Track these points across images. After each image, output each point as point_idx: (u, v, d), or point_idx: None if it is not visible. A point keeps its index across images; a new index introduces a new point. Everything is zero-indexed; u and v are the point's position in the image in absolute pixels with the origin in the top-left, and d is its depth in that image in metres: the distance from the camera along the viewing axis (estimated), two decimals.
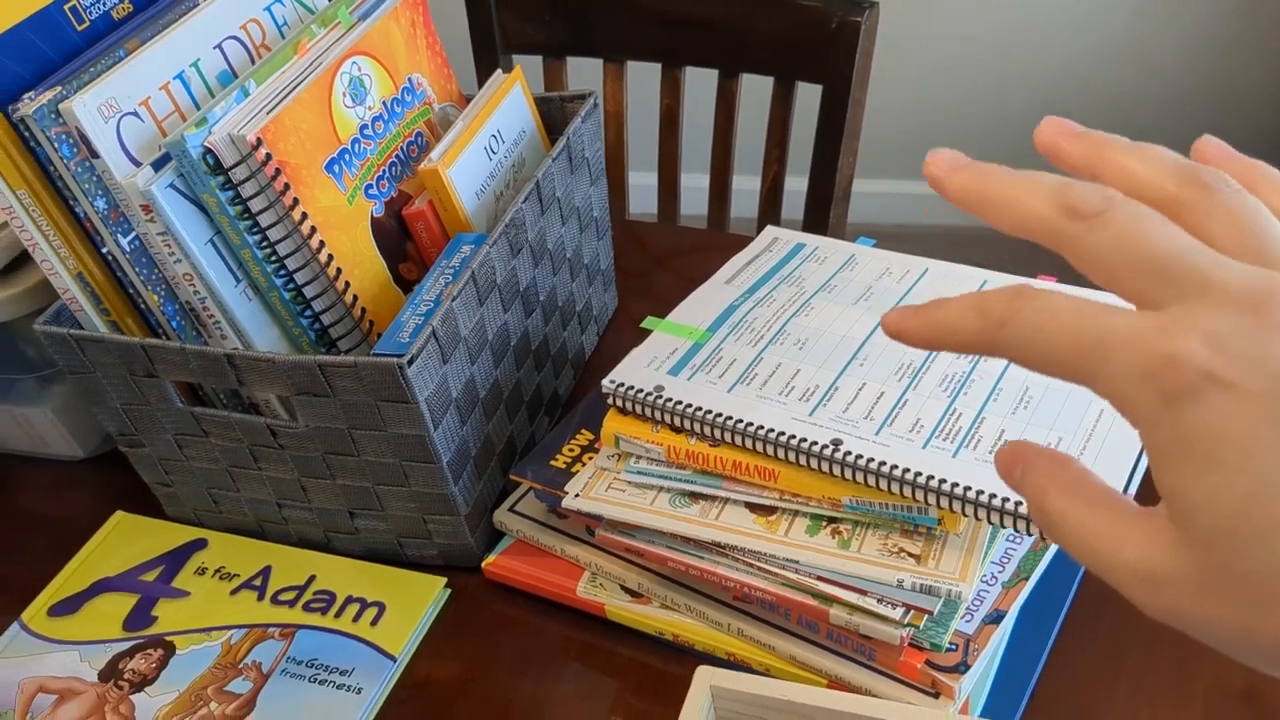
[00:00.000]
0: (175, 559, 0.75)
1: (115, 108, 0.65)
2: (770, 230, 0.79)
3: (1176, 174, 0.29)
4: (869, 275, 0.72)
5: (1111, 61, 2.14)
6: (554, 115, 0.86)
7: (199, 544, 0.76)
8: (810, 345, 0.66)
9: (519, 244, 0.74)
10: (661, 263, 1.01)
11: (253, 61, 0.74)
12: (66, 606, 0.73)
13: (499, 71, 0.83)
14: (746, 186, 1.33)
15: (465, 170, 0.75)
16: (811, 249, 0.76)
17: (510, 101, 0.81)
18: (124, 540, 0.77)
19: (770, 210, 1.22)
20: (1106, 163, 0.30)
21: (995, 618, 0.60)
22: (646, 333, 0.78)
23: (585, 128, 0.82)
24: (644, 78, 1.33)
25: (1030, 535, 0.58)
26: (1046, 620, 0.63)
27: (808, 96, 1.17)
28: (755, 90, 1.24)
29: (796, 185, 1.20)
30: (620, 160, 1.26)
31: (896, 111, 2.28)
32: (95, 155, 0.64)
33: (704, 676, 0.54)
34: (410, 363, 0.62)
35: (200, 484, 0.75)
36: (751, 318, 0.69)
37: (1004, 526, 0.55)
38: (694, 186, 1.39)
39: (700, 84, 1.28)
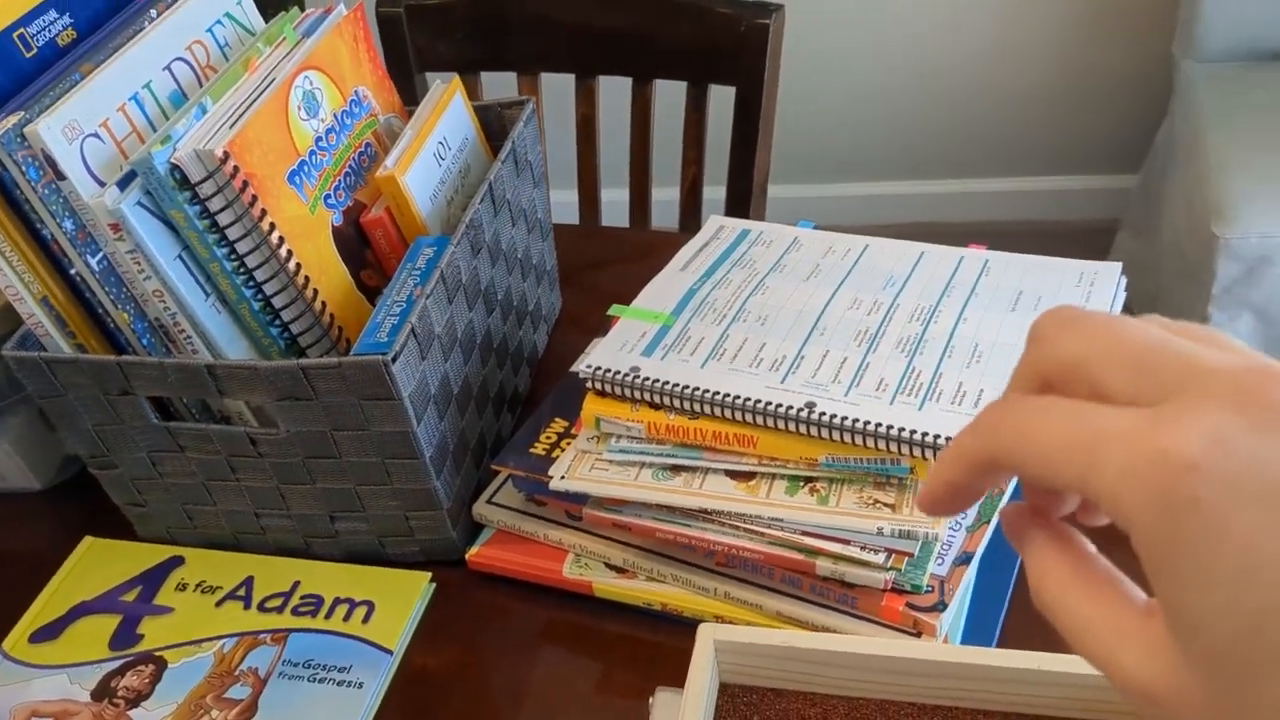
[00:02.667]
0: (153, 578, 0.75)
1: (78, 129, 0.66)
2: (715, 219, 0.83)
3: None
4: (815, 254, 0.77)
5: (981, 59, 2.25)
6: (492, 123, 0.88)
7: (176, 561, 0.76)
8: (772, 320, 0.70)
9: (478, 244, 0.76)
10: (597, 265, 1.04)
11: (200, 81, 0.76)
12: (47, 632, 0.72)
13: (439, 82, 0.86)
14: (665, 197, 1.37)
15: (419, 176, 0.77)
16: (756, 234, 0.80)
17: (452, 110, 0.84)
18: (97, 564, 0.77)
19: (691, 213, 1.27)
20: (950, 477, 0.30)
21: (964, 559, 0.64)
22: (588, 335, 0.81)
23: (527, 132, 0.85)
24: (559, 88, 1.37)
25: None
26: (1008, 559, 0.68)
27: (719, 101, 1.22)
28: (670, 96, 1.28)
29: (713, 194, 1.25)
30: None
31: (807, 118, 2.34)
32: (62, 177, 0.65)
33: (707, 632, 0.57)
34: (394, 359, 0.64)
35: (175, 500, 0.75)
36: (712, 299, 0.72)
37: None
38: (613, 200, 1.42)
39: (616, 92, 1.32)
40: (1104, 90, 2.26)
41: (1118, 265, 0.72)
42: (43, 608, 0.74)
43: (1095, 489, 0.25)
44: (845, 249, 0.77)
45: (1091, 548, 0.30)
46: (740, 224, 0.82)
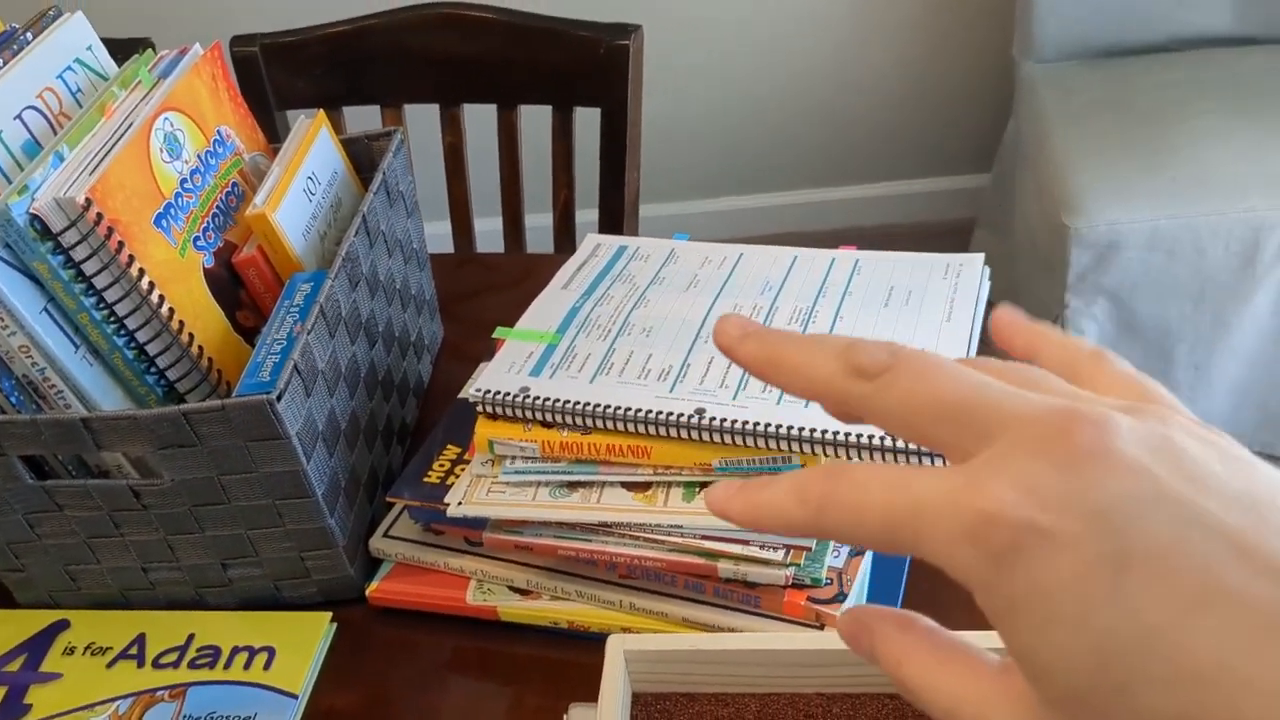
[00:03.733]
0: (37, 644, 0.72)
1: None
2: (591, 237, 0.84)
3: (843, 355, 0.29)
4: (692, 265, 0.78)
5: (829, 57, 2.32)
6: (360, 156, 0.88)
7: (61, 625, 0.73)
8: (656, 332, 0.71)
9: (356, 277, 0.75)
10: (474, 293, 1.04)
11: (54, 129, 0.73)
12: None
13: (303, 117, 0.85)
14: (539, 223, 1.37)
15: (290, 213, 0.76)
16: (634, 249, 0.81)
17: (319, 145, 0.83)
18: None
19: (565, 236, 1.28)
20: (779, 360, 0.31)
21: (859, 550, 0.66)
22: (471, 363, 0.81)
23: (396, 162, 0.85)
24: (423, 119, 1.36)
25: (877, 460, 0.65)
26: None
27: (586, 123, 1.23)
28: (537, 120, 1.29)
29: (586, 217, 1.26)
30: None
31: (668, 138, 2.37)
32: None
33: (616, 644, 0.57)
34: (279, 398, 0.63)
35: (55, 562, 0.72)
36: (595, 315, 0.73)
37: (854, 458, 0.61)
38: (486, 230, 1.42)
39: (481, 120, 1.32)
40: (952, 94, 2.34)
41: (980, 256, 0.75)
42: None
43: (930, 555, 0.26)
44: (721, 258, 0.79)
45: (932, 623, 0.30)
46: (616, 240, 0.83)
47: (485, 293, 1.04)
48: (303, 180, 0.79)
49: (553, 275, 0.80)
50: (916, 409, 0.27)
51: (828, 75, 2.32)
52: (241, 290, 0.76)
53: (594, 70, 1.16)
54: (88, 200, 0.64)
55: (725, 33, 2.25)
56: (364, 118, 1.31)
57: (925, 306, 0.70)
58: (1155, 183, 1.57)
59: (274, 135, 1.13)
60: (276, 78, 1.24)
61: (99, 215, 0.64)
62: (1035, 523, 0.24)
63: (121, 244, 0.66)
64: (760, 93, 2.33)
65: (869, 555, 0.66)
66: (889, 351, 0.28)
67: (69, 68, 0.77)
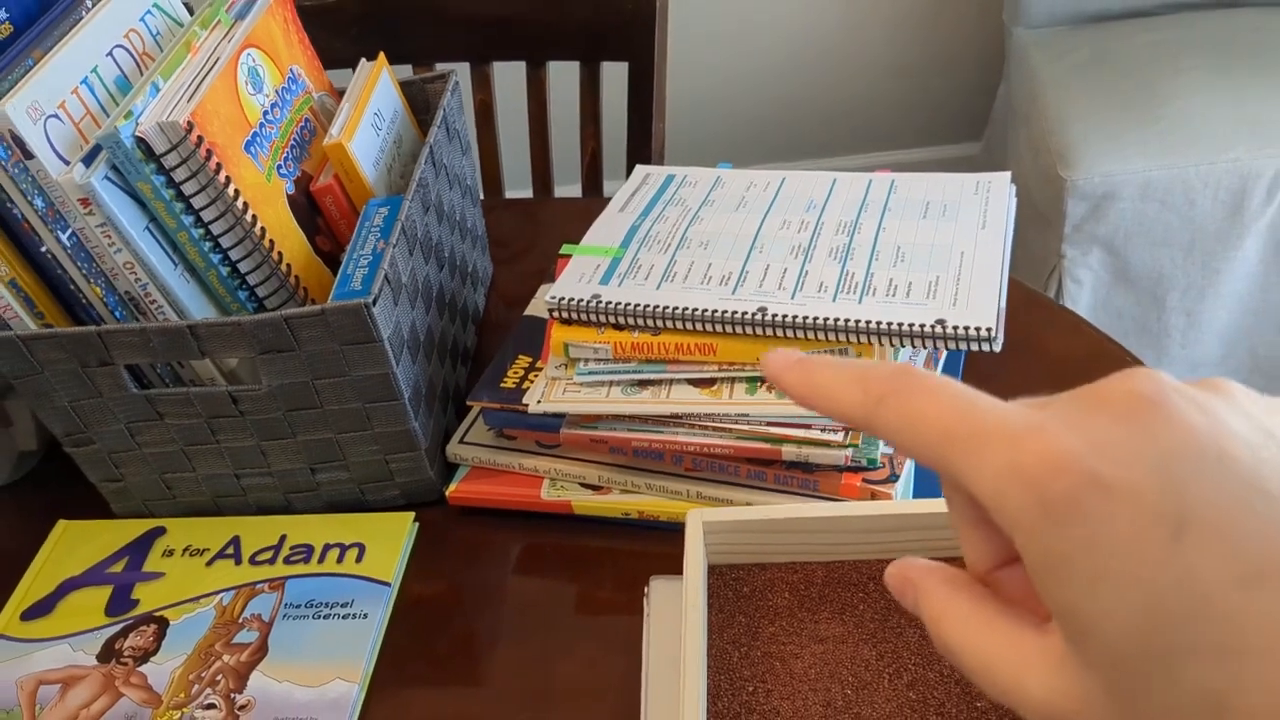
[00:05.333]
0: (137, 548, 0.77)
1: (40, 110, 0.68)
2: (641, 168, 0.89)
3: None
4: (739, 189, 0.83)
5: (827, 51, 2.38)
6: (415, 97, 0.93)
7: (158, 531, 0.78)
8: (712, 245, 0.76)
9: (427, 203, 0.80)
10: (514, 238, 1.09)
11: (139, 66, 0.78)
12: (39, 609, 0.73)
13: (363, 61, 0.90)
14: (567, 186, 1.42)
15: (362, 144, 0.81)
16: (681, 177, 0.86)
17: (382, 85, 0.88)
18: (76, 544, 0.78)
19: (593, 184, 1.33)
20: (813, 385, 0.31)
21: None
22: (517, 302, 0.86)
23: (453, 101, 0.90)
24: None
25: (925, 349, 0.71)
26: None
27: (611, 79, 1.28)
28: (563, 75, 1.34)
29: (611, 189, 1.31)
30: None
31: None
32: (30, 156, 0.67)
33: (695, 516, 0.62)
34: (374, 302, 0.68)
35: (153, 471, 0.77)
36: (654, 232, 0.78)
37: (909, 346, 0.67)
38: (515, 186, 1.47)
39: (511, 76, 1.37)
40: (945, 63, 2.40)
41: (1007, 174, 0.81)
42: (28, 589, 0.75)
43: (974, 484, 0.26)
44: (765, 183, 0.84)
45: (979, 586, 0.30)
46: (664, 170, 0.88)
47: (523, 239, 1.08)
48: (371, 115, 0.84)
49: (590, 216, 0.84)
50: (913, 423, 0.28)
51: (822, 52, 2.37)
52: (319, 217, 0.81)
53: (622, 26, 1.21)
54: (189, 123, 0.69)
55: (710, 5, 2.30)
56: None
57: (961, 217, 0.76)
58: (1146, 135, 1.64)
59: None
60: (315, 39, 1.28)
61: (200, 138, 0.69)
62: (1098, 475, 0.24)
63: (219, 165, 0.70)
64: (750, 67, 2.39)
65: None
66: (901, 372, 0.29)
67: (149, 11, 0.81)
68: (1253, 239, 1.63)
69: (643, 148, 1.27)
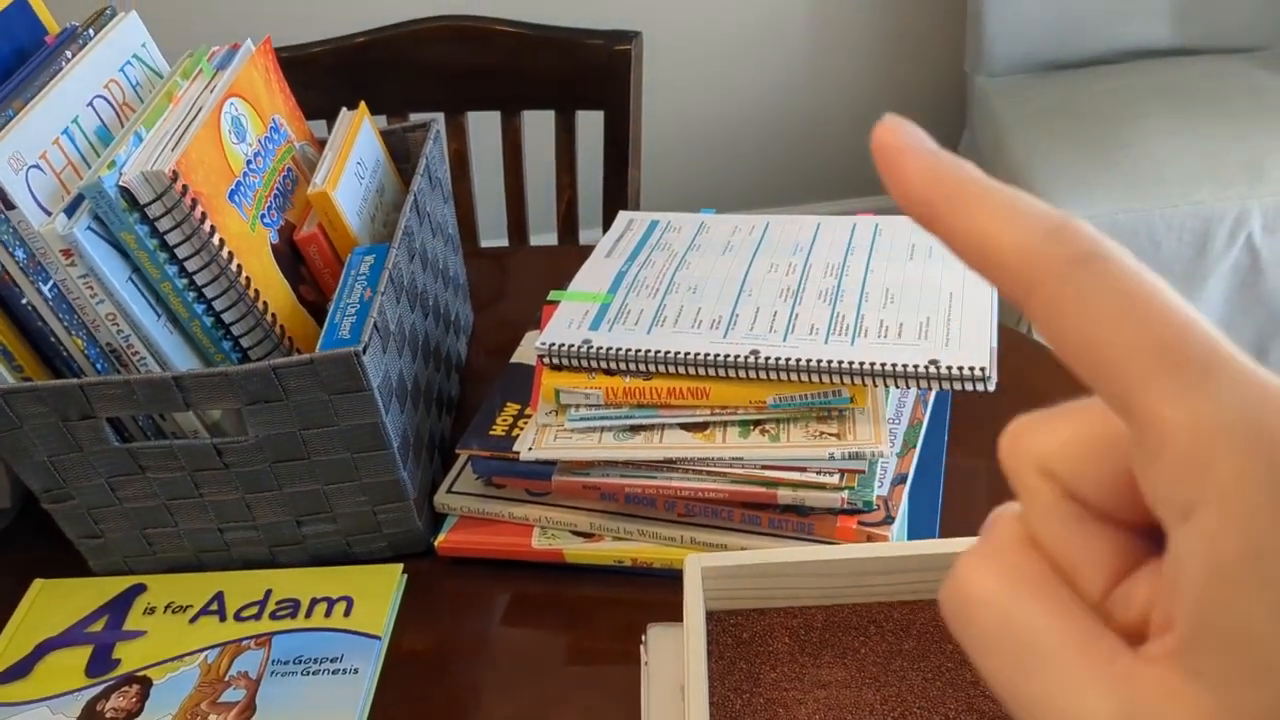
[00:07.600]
0: (117, 606, 0.75)
1: (22, 161, 0.67)
2: (624, 214, 0.89)
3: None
4: (724, 233, 0.84)
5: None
6: (395, 146, 0.93)
7: (138, 589, 0.76)
8: (701, 288, 0.76)
9: (412, 251, 0.80)
10: (493, 288, 1.09)
11: (120, 117, 0.77)
12: (16, 672, 0.71)
13: (344, 110, 0.89)
14: (541, 232, 1.42)
15: (346, 193, 0.81)
16: (665, 222, 0.87)
17: (364, 134, 0.88)
18: (53, 603, 0.76)
19: (569, 234, 1.33)
20: (961, 206, 0.21)
21: (900, 479, 0.72)
22: (498, 352, 0.86)
23: (435, 150, 0.90)
24: None
25: (920, 389, 0.71)
26: (933, 474, 0.76)
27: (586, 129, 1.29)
28: (537, 126, 1.35)
29: (587, 237, 1.32)
30: None
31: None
32: (11, 206, 0.66)
33: (694, 561, 0.62)
34: (364, 351, 0.67)
35: (134, 527, 0.75)
36: (642, 277, 0.78)
37: (902, 387, 0.67)
38: (489, 233, 1.47)
39: (486, 125, 1.37)
40: (906, 111, 2.44)
41: None
42: (4, 650, 0.73)
43: (1165, 418, 0.18)
44: (750, 226, 0.84)
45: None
46: (648, 215, 0.88)
47: (499, 288, 1.08)
48: (353, 164, 0.84)
49: (566, 268, 0.84)
50: (1119, 313, 0.19)
51: (789, 92, 2.40)
52: (302, 266, 0.80)
53: (597, 74, 1.22)
54: (174, 173, 0.68)
55: (678, 55, 2.32)
56: None
57: (947, 259, 0.77)
58: (1110, 179, 1.67)
59: None
60: (290, 89, 1.28)
61: (184, 187, 0.68)
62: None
63: (204, 215, 0.70)
64: (723, 114, 2.41)
65: (908, 484, 0.72)
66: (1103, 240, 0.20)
67: (128, 63, 0.81)
68: (1216, 280, 1.66)
69: (619, 195, 1.27)
